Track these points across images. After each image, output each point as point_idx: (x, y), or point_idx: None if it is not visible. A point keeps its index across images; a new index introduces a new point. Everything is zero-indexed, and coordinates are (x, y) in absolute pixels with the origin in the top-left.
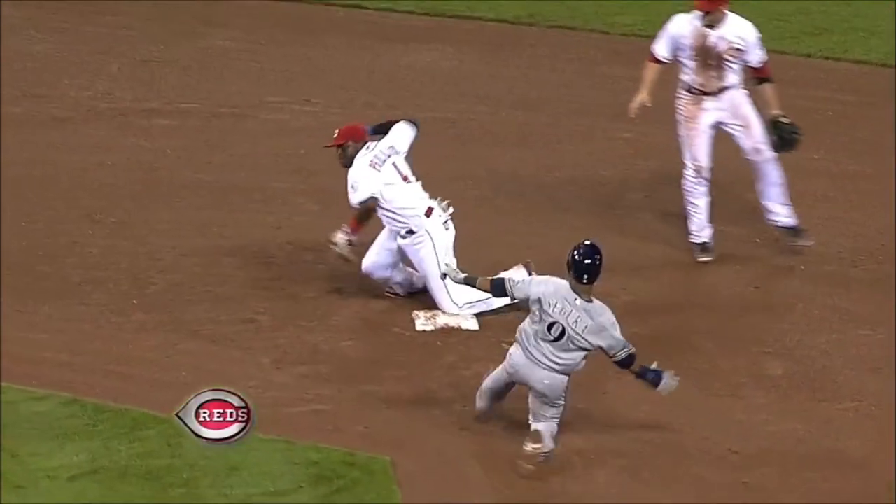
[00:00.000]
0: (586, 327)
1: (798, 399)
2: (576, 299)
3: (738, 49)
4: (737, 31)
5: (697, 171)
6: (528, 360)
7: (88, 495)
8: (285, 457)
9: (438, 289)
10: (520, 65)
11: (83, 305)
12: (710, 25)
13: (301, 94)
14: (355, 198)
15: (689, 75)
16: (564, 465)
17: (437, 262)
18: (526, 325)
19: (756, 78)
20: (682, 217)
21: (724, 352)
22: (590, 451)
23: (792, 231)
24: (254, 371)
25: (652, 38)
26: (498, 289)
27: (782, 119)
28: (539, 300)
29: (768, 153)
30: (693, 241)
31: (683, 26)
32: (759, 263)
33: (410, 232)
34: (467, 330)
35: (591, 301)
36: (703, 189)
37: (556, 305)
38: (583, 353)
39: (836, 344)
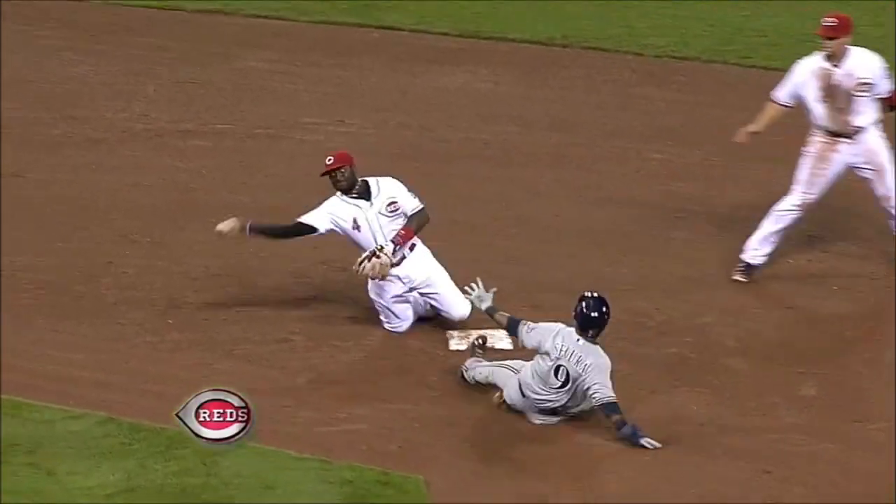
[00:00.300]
0: (587, 365)
1: (831, 419)
2: (578, 339)
3: (865, 83)
4: (861, 64)
5: (802, 204)
6: (525, 401)
7: None
8: (320, 476)
9: (453, 288)
10: (553, 86)
11: (119, 325)
12: (833, 61)
13: (336, 115)
14: (417, 201)
15: (820, 120)
16: (593, 485)
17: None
18: (527, 371)
19: (888, 106)
20: (715, 237)
21: (757, 371)
22: (620, 470)
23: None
24: (288, 390)
25: (685, 59)
26: (512, 328)
27: None
28: (547, 349)
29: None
30: (745, 258)
31: (807, 70)
32: (792, 283)
33: (413, 245)
34: (501, 350)
35: (595, 344)
36: (795, 219)
37: (561, 347)
38: (582, 396)
39: (869, 364)
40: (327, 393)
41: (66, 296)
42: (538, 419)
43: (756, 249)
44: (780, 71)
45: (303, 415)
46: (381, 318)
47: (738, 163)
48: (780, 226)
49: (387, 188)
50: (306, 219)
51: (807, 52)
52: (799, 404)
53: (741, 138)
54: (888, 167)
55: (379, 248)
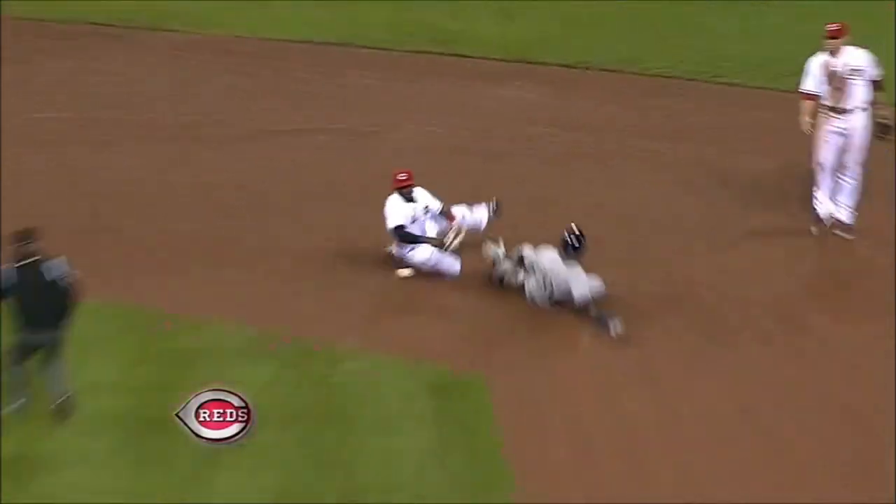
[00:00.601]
0: (565, 278)
1: (826, 365)
2: (561, 260)
3: (857, 69)
4: (854, 55)
5: (819, 165)
6: (536, 295)
7: (272, 399)
8: (408, 371)
9: (460, 211)
10: (581, 97)
11: (255, 273)
12: (833, 55)
13: (415, 119)
14: (438, 201)
15: (825, 99)
16: (614, 405)
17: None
18: (531, 279)
19: (874, 88)
20: (720, 211)
21: (759, 324)
22: (636, 393)
23: (844, 226)
24: (387, 315)
25: (677, 78)
26: (519, 259)
27: (879, 119)
28: (540, 263)
29: (853, 173)
30: (814, 211)
31: (816, 62)
32: (775, 247)
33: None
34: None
35: (576, 263)
36: (825, 177)
37: (548, 265)
38: (569, 293)
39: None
40: (418, 314)
41: (212, 254)
42: (545, 305)
43: (817, 205)
44: (743, 87)
45: (400, 331)
46: (441, 274)
47: (727, 155)
48: (818, 185)
49: (422, 197)
50: (399, 222)
51: (767, 74)
52: (791, 349)
53: (805, 128)
54: (859, 146)
55: (457, 229)
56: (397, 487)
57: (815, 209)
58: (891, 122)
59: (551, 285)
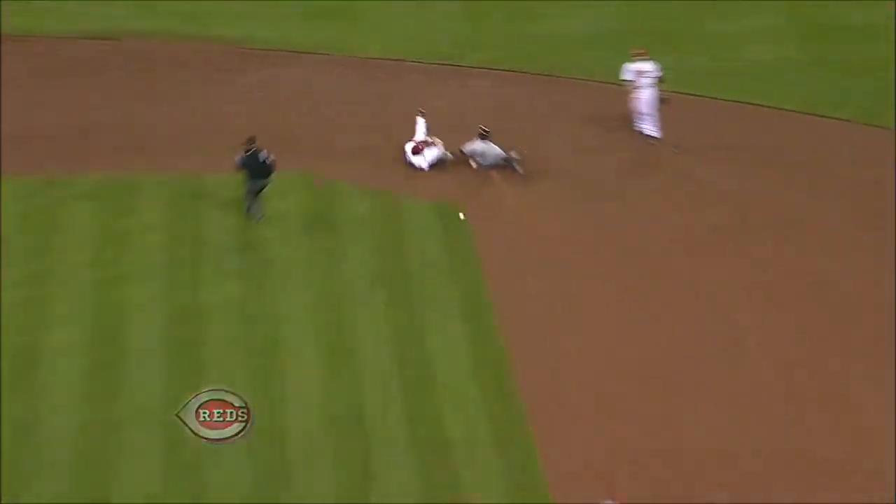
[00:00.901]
0: (487, 151)
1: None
2: (480, 141)
3: (649, 70)
4: (647, 64)
5: (637, 114)
6: (483, 163)
7: (367, 216)
8: (426, 205)
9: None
10: (511, 86)
11: (362, 164)
12: (638, 61)
13: (440, 97)
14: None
15: (633, 83)
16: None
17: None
18: (478, 159)
19: (660, 81)
20: (604, 143)
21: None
22: (546, 220)
23: (653, 138)
24: (416, 180)
25: (585, 79)
26: (464, 152)
27: (661, 96)
28: (474, 149)
29: (651, 115)
30: (643, 133)
31: (631, 65)
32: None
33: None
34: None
35: (489, 142)
36: (642, 118)
37: (478, 147)
38: (494, 158)
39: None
40: (429, 178)
41: (347, 153)
42: (488, 168)
43: (644, 129)
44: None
45: (429, 185)
46: (440, 162)
47: (587, 114)
48: (640, 121)
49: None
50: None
51: (604, 74)
52: (616, 198)
53: (629, 91)
54: (652, 104)
55: (436, 142)
56: (429, 263)
57: (643, 132)
58: (666, 97)
59: (483, 155)
